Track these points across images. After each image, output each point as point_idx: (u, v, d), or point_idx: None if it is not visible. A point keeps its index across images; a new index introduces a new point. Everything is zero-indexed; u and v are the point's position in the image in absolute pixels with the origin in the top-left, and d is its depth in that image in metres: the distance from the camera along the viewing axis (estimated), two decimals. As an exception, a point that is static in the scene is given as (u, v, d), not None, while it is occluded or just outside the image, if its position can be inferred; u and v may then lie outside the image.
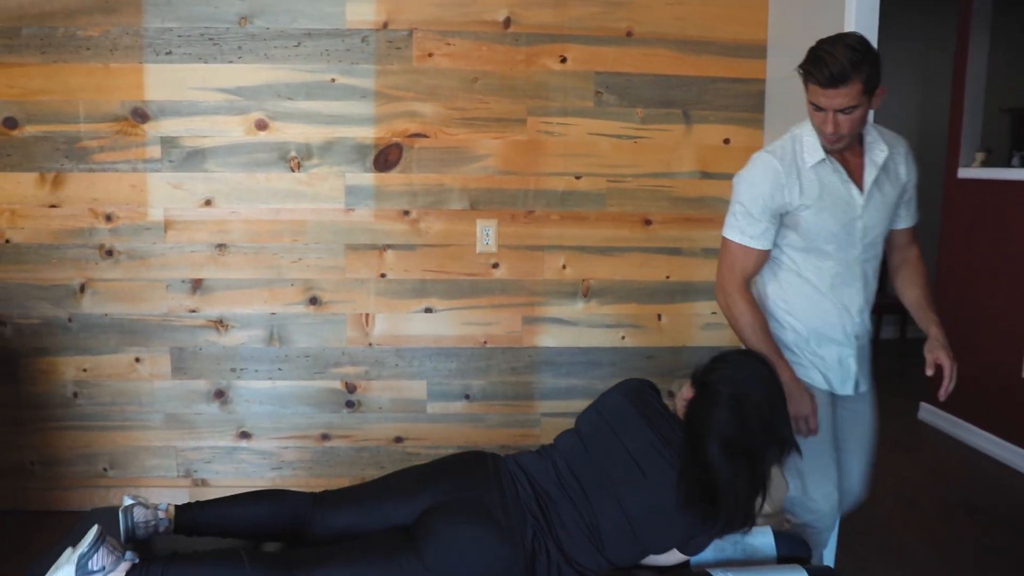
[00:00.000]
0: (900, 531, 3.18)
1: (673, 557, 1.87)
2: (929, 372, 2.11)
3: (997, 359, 4.13)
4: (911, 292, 2.31)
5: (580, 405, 3.18)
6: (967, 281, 4.31)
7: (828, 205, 2.11)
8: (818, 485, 2.15)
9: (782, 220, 2.15)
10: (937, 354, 2.12)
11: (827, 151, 2.10)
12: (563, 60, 3.08)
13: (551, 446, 2.08)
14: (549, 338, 3.17)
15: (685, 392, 1.95)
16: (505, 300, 3.14)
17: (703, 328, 3.29)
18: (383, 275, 3.08)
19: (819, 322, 2.19)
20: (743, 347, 2.14)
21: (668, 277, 3.23)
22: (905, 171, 2.19)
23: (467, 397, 3.14)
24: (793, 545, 1.96)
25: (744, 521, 1.79)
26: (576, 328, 3.18)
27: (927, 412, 4.61)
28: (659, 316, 3.24)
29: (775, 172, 2.11)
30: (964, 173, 4.28)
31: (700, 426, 1.81)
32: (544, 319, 3.17)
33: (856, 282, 2.18)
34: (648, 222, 3.20)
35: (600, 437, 1.97)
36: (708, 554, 1.89)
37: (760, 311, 2.19)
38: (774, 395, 1.85)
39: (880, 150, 2.14)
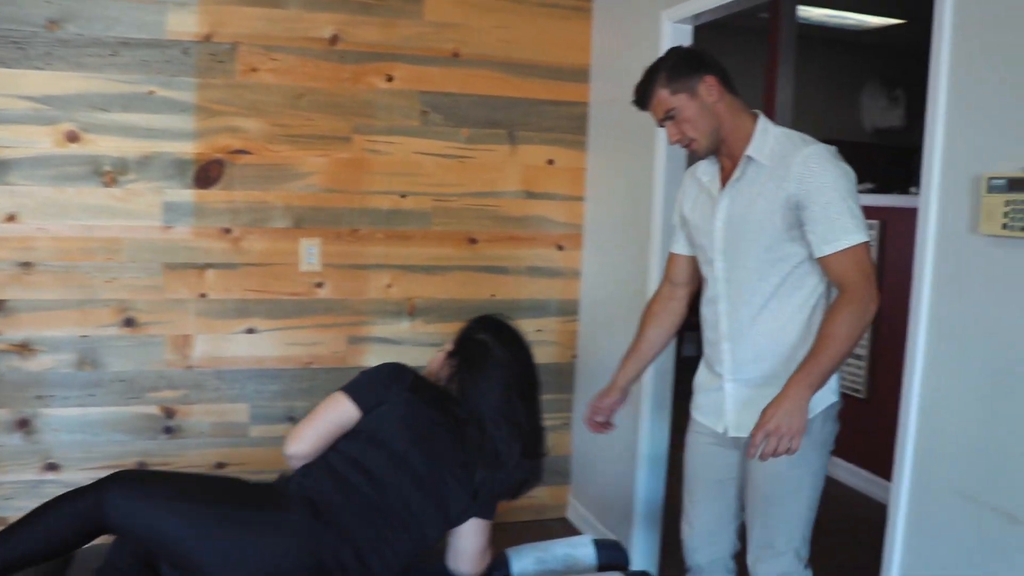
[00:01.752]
0: None
1: (477, 539, 2.23)
2: (749, 454, 1.94)
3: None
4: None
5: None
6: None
7: (698, 207, 2.24)
8: (683, 518, 2.37)
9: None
10: (762, 412, 1.93)
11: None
12: (389, 79, 3.42)
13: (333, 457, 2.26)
14: (375, 357, 3.52)
15: (446, 348, 2.38)
16: (330, 320, 3.46)
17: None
18: (203, 295, 3.33)
19: (705, 343, 2.31)
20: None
21: (493, 295, 3.65)
22: (796, 183, 1.97)
23: (291, 419, 3.44)
24: (612, 553, 2.34)
25: (510, 456, 2.20)
26: (402, 347, 3.54)
27: None
28: (484, 333, 3.66)
29: (684, 179, 2.37)
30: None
31: (469, 372, 2.26)
32: (370, 338, 3.52)
33: (719, 303, 2.17)
34: (473, 241, 3.61)
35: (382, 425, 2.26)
36: (530, 567, 2.29)
37: (647, 318, 2.43)
38: (520, 352, 2.36)
39: (755, 150, 2.07)
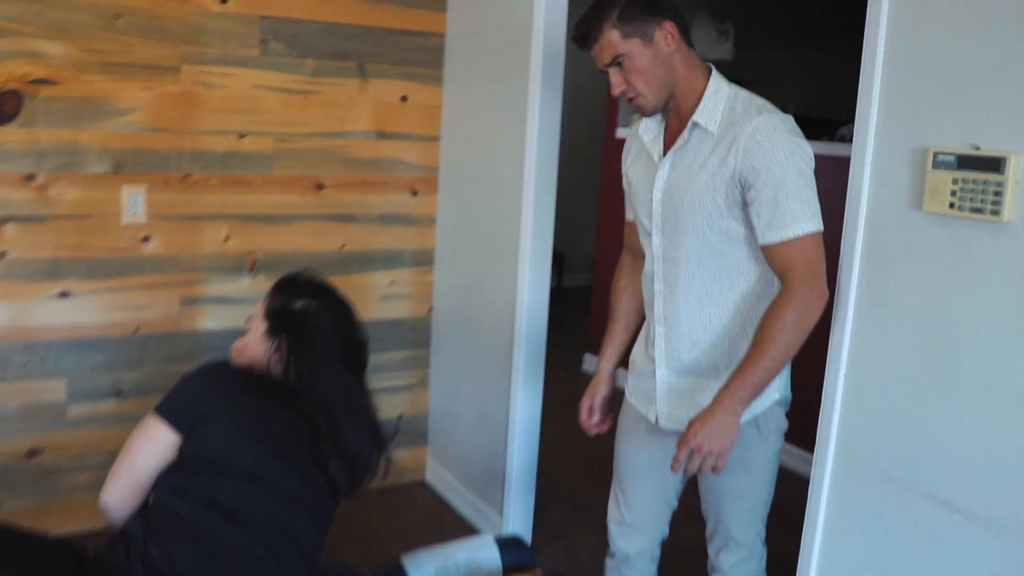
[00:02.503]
0: (594, 495, 3.71)
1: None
2: (674, 468, 1.89)
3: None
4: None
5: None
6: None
7: (637, 168, 2.12)
8: (611, 503, 2.32)
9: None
10: (688, 424, 1.89)
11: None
12: (223, 0, 3.08)
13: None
14: (213, 320, 3.25)
15: (257, 328, 2.10)
16: (159, 279, 3.15)
17: (382, 300, 3.56)
18: (3, 254, 2.92)
19: (643, 330, 2.22)
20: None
21: (343, 246, 3.44)
22: (743, 157, 1.84)
23: (118, 394, 3.13)
24: (518, 553, 2.21)
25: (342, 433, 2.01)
26: (244, 307, 3.26)
27: (591, 363, 5.35)
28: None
29: (628, 135, 2.21)
30: (621, 132, 5.01)
31: (301, 353, 2.04)
32: (206, 299, 3.23)
33: (655, 281, 2.07)
34: (320, 186, 3.37)
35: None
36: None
37: (616, 297, 2.30)
38: (346, 315, 2.15)
39: (702, 115, 1.92)
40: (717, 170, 1.89)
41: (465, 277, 3.51)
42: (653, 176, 2.02)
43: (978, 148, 1.73)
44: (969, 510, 1.79)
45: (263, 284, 3.29)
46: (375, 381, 3.64)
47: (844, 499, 2.07)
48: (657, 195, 2.01)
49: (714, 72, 1.98)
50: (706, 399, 1.97)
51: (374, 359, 3.60)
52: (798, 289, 1.83)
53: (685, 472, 1.88)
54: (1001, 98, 1.70)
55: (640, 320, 2.29)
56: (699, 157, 1.93)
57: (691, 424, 1.86)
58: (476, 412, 3.45)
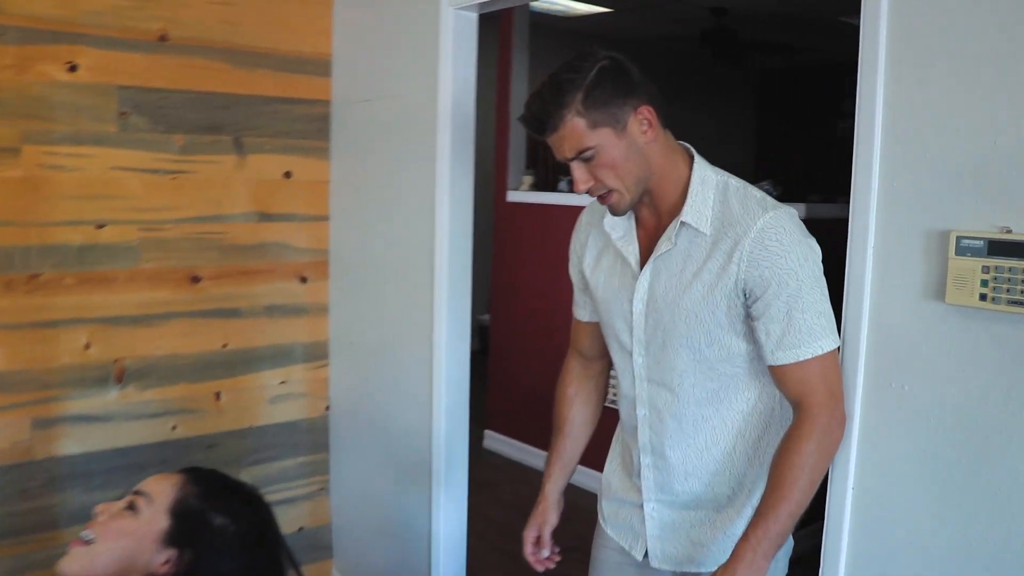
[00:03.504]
0: None
1: None
2: None
3: (553, 374, 4.66)
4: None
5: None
6: (520, 299, 4.82)
7: (604, 271, 1.79)
8: None
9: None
10: None
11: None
12: (72, 68, 2.64)
13: None
14: (73, 443, 2.73)
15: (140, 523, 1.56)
16: (5, 400, 2.61)
17: (272, 402, 3.13)
18: None
19: (620, 429, 1.91)
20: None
21: (225, 345, 3.00)
22: (747, 266, 1.55)
23: (-44, 548, 2.56)
24: None
25: None
26: (110, 424, 2.79)
27: (492, 440, 5.01)
28: (217, 395, 3.00)
29: (582, 217, 1.87)
30: (512, 196, 4.75)
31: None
32: (64, 418, 2.71)
33: (639, 407, 1.74)
34: (195, 279, 2.92)
35: None
36: None
37: (562, 406, 1.96)
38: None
39: (691, 213, 1.61)
40: (716, 280, 1.58)
41: (366, 370, 3.11)
42: (631, 284, 1.70)
43: (1009, 231, 1.49)
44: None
45: (133, 397, 2.82)
46: (269, 493, 3.20)
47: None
48: (638, 306, 1.69)
49: (696, 157, 1.67)
50: (706, 535, 1.73)
51: (267, 468, 3.18)
52: (818, 416, 1.54)
53: None
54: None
55: (590, 433, 1.98)
56: (691, 263, 1.62)
57: None
58: (390, 521, 3.03)
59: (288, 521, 3.24)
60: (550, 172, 5.23)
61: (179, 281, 2.89)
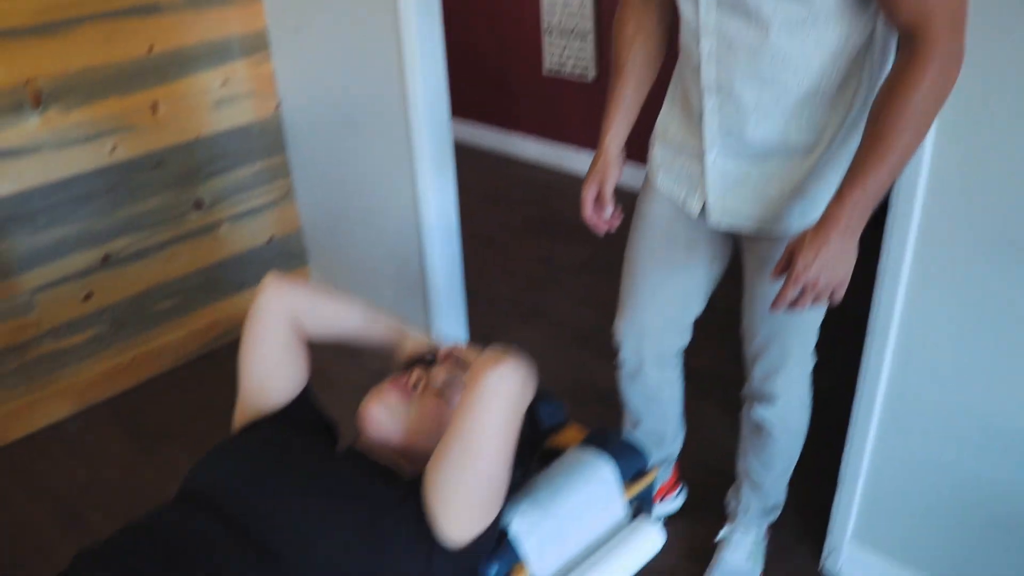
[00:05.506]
0: (508, 285, 3.33)
1: None
2: (771, 275, 1.45)
3: (520, 56, 4.34)
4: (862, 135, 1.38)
5: (83, 260, 2.57)
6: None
7: None
8: (621, 304, 1.91)
9: None
10: (791, 251, 1.39)
11: None
12: None
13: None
14: (3, 184, 2.40)
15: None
16: (-89, 144, 2.25)
17: (216, 107, 2.78)
18: None
19: (676, 83, 1.65)
20: None
21: (151, 48, 2.59)
22: None
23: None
24: (548, 410, 1.61)
25: None
26: (40, 155, 2.44)
27: (463, 131, 4.74)
28: (154, 106, 2.64)
29: None
30: None
31: None
32: (-15, 157, 2.36)
33: (703, 38, 1.45)
34: (100, -29, 2.45)
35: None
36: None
37: (623, 48, 1.66)
38: None
39: None
40: None
41: (320, 55, 2.73)
42: None
43: None
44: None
45: (57, 121, 2.46)
46: (229, 207, 2.95)
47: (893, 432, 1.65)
48: None
49: None
50: (775, 189, 1.52)
51: (223, 181, 2.90)
52: (935, 51, 1.23)
53: (787, 309, 1.39)
54: None
55: (654, 75, 1.70)
56: None
57: (796, 252, 1.35)
58: (369, 216, 2.82)
59: (255, 233, 3.03)
60: None
61: (81, -23, 2.43)
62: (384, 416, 1.35)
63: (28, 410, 2.61)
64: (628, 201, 1.75)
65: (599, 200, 1.73)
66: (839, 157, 1.45)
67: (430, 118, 2.46)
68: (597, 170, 1.72)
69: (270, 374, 1.46)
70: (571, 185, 4.08)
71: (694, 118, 1.55)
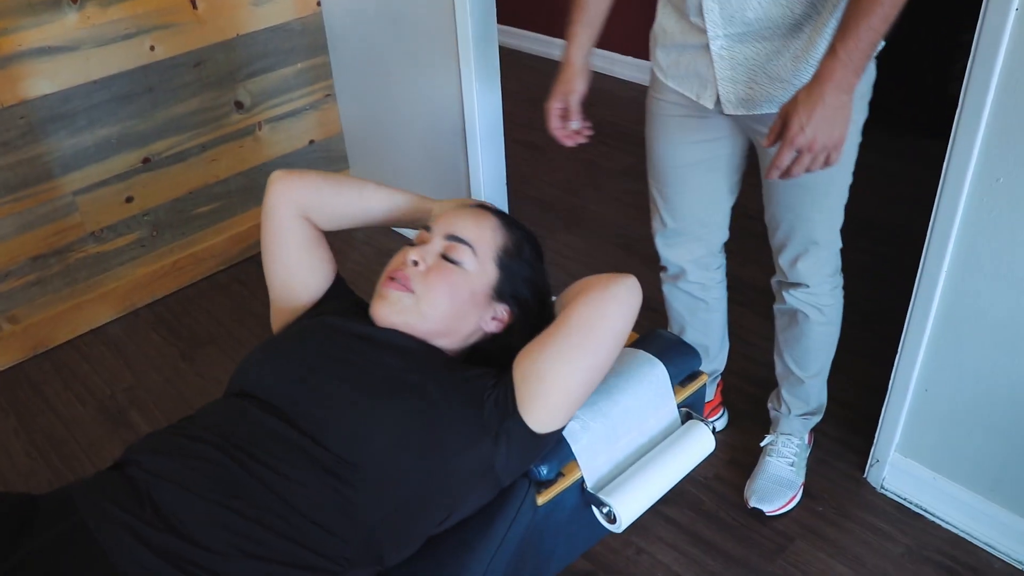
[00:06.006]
0: (554, 188, 3.26)
1: None
2: (766, 143, 1.41)
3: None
4: None
5: (123, 162, 2.53)
6: None
7: None
8: (654, 210, 1.89)
9: None
10: (784, 114, 1.37)
11: None
12: None
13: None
14: (42, 82, 2.34)
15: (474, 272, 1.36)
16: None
17: (255, 4, 2.68)
18: None
19: None
20: None
21: (189, -59, 2.50)
22: None
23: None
24: (682, 361, 1.52)
25: None
26: (79, 54, 2.37)
27: (506, 35, 4.60)
28: (193, 2, 2.55)
29: None
30: None
31: None
32: (24, 56, 2.29)
33: None
34: None
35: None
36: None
37: None
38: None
39: None
40: None
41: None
42: None
43: None
44: None
45: (97, 18, 2.39)
46: (273, 108, 2.88)
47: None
48: None
49: None
50: (786, 67, 1.49)
51: (264, 81, 2.83)
52: None
53: (787, 174, 1.37)
54: None
55: None
56: None
57: (790, 114, 1.32)
58: (415, 120, 2.75)
59: (296, 136, 2.97)
60: None
61: None
62: (392, 314, 1.30)
63: (73, 313, 2.61)
64: (638, 93, 1.68)
65: (565, 115, 1.69)
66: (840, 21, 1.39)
67: (477, 18, 2.37)
68: (562, 83, 1.69)
69: (294, 273, 1.43)
70: (614, 91, 3.96)
71: (691, 12, 1.52)
